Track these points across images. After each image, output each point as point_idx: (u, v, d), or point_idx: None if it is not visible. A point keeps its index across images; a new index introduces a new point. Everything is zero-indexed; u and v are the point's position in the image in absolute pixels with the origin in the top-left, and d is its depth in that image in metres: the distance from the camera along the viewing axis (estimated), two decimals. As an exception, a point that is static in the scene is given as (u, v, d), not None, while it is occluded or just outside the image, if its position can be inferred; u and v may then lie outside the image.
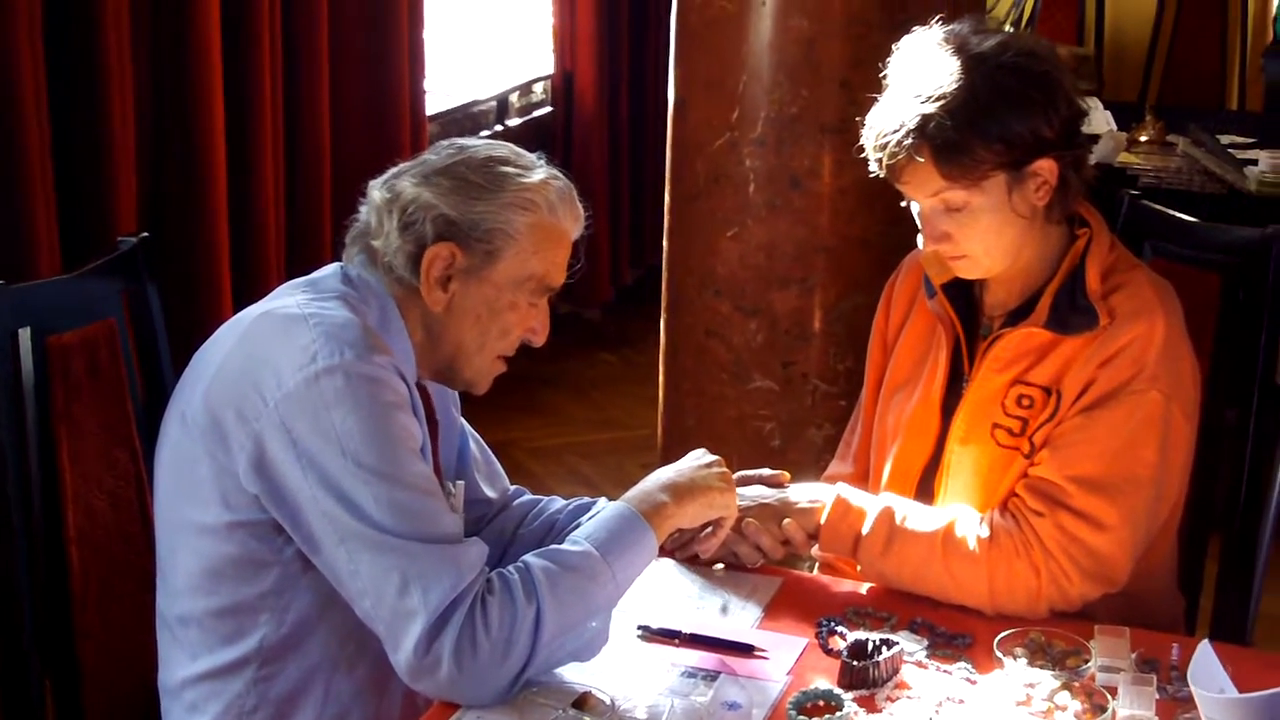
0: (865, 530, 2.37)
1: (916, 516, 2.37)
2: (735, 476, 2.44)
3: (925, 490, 2.49)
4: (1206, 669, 1.90)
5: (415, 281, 2.17)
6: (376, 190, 2.22)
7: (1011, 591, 2.30)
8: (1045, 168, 2.32)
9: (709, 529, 2.36)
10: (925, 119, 2.27)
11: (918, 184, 2.33)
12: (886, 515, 2.37)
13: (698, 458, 2.35)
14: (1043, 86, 2.31)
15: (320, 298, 2.14)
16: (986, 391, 2.42)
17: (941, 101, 2.27)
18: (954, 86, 2.27)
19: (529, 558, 2.08)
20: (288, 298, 2.16)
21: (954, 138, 2.27)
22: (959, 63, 2.29)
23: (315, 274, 2.25)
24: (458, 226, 2.15)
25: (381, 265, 2.19)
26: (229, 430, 2.05)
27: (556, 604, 2.02)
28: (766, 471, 2.52)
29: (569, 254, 2.26)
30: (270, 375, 2.03)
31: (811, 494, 2.45)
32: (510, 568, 2.06)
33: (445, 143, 2.27)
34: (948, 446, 2.46)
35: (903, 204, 2.42)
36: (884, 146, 2.31)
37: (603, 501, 2.54)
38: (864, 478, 2.64)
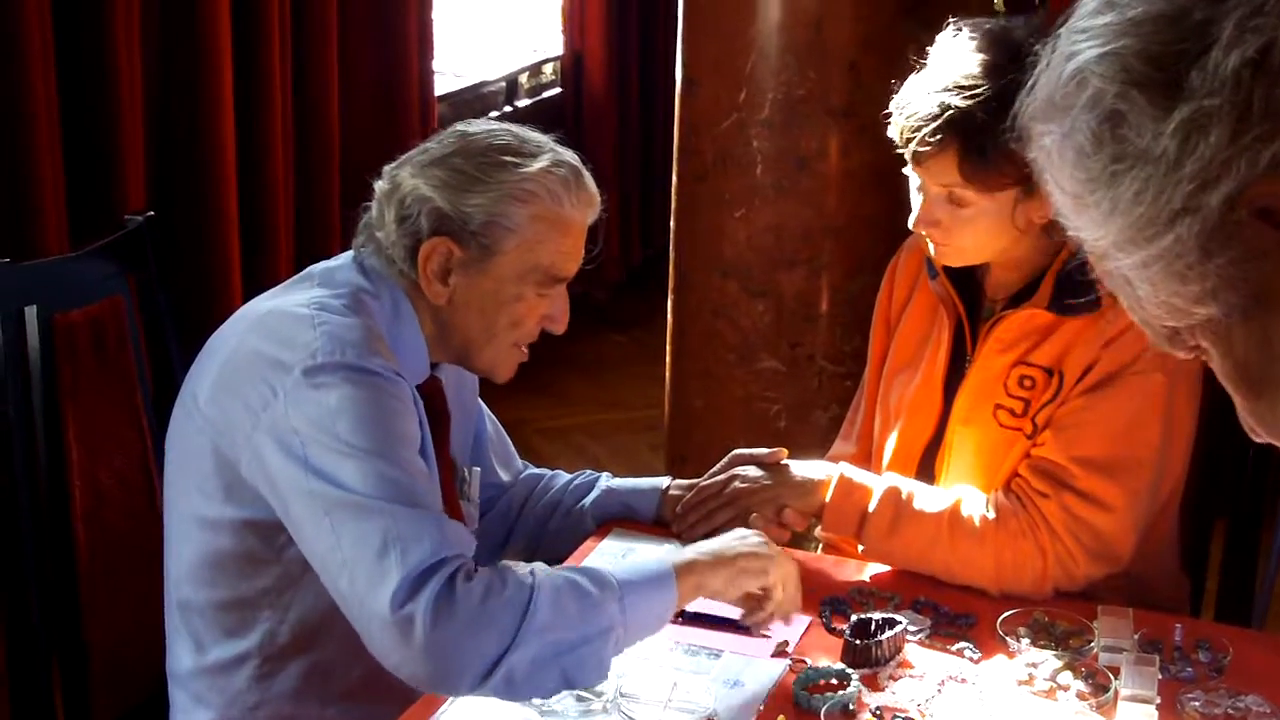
0: (871, 508, 2.37)
1: (922, 496, 2.37)
2: (733, 455, 2.45)
3: (926, 471, 2.49)
4: None
5: (415, 275, 2.14)
6: (382, 180, 2.19)
7: (1017, 572, 2.31)
8: None
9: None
10: (963, 116, 2.25)
11: (935, 172, 2.32)
12: (892, 494, 2.37)
13: (738, 533, 2.20)
14: None
15: (332, 295, 2.10)
16: (989, 372, 2.42)
17: (982, 101, 2.24)
18: (997, 91, 2.23)
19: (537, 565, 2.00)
20: (300, 293, 2.13)
21: (985, 143, 2.25)
22: (1015, 69, 2.23)
23: (331, 262, 2.22)
24: (452, 220, 2.10)
25: (384, 257, 2.16)
26: (235, 422, 2.02)
27: (552, 595, 1.90)
28: (763, 450, 2.51)
29: (580, 240, 2.20)
30: (276, 372, 2.00)
31: (814, 472, 2.45)
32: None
33: (451, 130, 2.21)
34: (950, 427, 2.46)
35: (904, 170, 2.39)
36: (916, 129, 2.29)
37: (606, 476, 2.54)
38: (867, 458, 2.64)
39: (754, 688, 2.05)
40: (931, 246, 2.43)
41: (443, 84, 5.53)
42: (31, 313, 2.34)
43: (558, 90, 6.59)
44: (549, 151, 2.17)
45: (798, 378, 3.40)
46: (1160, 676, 2.04)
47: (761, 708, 2.01)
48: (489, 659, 1.86)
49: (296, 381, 1.98)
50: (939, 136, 2.27)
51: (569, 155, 2.19)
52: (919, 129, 2.29)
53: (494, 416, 2.56)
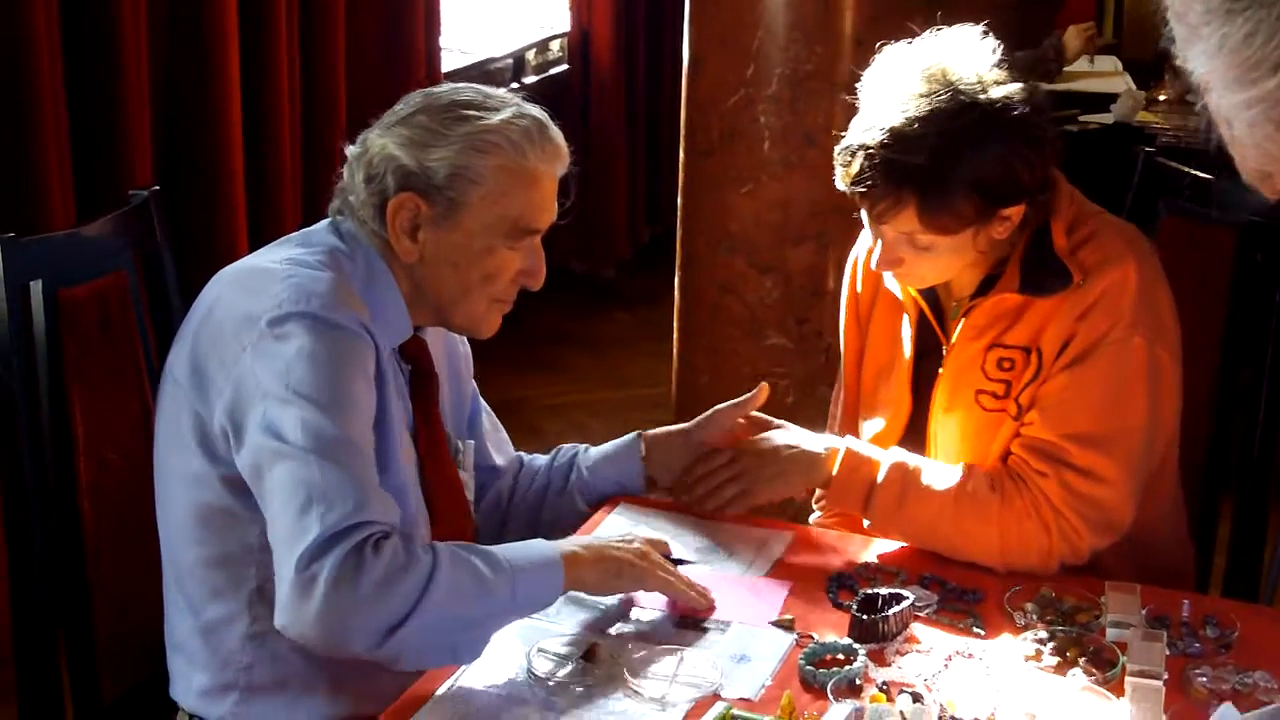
0: (879, 480, 2.36)
1: (928, 471, 2.36)
2: (714, 411, 2.49)
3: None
4: None
5: (386, 234, 2.16)
6: (351, 145, 2.23)
7: (1024, 549, 2.30)
8: (1014, 212, 2.30)
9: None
10: (914, 171, 2.23)
11: (891, 222, 2.30)
12: (899, 468, 2.36)
13: (622, 535, 2.25)
14: (1032, 140, 2.27)
15: (307, 252, 2.14)
16: (964, 358, 2.40)
17: (930, 150, 2.22)
18: (943, 138, 2.22)
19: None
20: (276, 252, 2.17)
21: (940, 192, 2.24)
22: (954, 107, 2.24)
23: (310, 228, 2.26)
24: (417, 176, 2.13)
25: (356, 219, 2.19)
26: (210, 379, 2.05)
27: (453, 572, 1.94)
28: (745, 397, 2.50)
29: (549, 193, 2.21)
30: (247, 326, 2.02)
31: (818, 446, 2.44)
32: None
33: (416, 91, 2.24)
34: (931, 416, 2.45)
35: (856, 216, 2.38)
36: (869, 187, 2.27)
37: (582, 451, 2.53)
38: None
39: (760, 663, 2.05)
40: (889, 275, 2.43)
41: (449, 61, 5.53)
42: (37, 287, 2.33)
43: (565, 67, 6.58)
44: (513, 106, 2.19)
45: (805, 353, 3.40)
46: (1168, 652, 2.04)
47: (768, 682, 2.00)
48: (380, 632, 1.88)
49: (262, 334, 2.01)
50: (893, 191, 2.25)
51: (533, 109, 2.21)
52: (870, 191, 2.27)
53: (489, 409, 2.55)
